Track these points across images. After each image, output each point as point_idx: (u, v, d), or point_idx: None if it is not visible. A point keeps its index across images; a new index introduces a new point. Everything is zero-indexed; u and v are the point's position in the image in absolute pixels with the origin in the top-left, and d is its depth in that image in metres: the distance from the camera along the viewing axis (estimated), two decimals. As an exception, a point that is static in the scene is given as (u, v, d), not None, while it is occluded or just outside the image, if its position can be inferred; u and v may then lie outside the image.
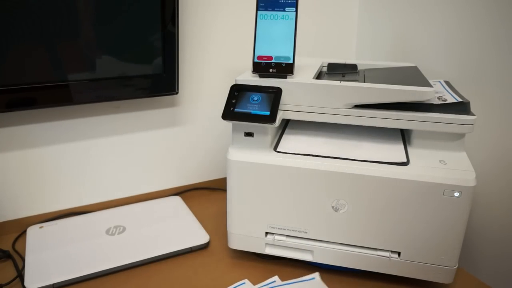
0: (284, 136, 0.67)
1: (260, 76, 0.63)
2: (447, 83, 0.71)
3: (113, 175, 0.85)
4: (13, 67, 0.65)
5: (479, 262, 0.79)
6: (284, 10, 0.61)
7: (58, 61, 0.68)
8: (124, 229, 0.75)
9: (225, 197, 0.92)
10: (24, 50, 0.64)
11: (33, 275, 0.63)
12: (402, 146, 0.64)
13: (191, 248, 0.72)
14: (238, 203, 0.64)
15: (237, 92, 0.62)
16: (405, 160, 0.59)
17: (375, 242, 0.61)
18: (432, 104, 0.60)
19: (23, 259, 0.68)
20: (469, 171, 0.57)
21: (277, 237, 0.65)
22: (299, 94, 0.62)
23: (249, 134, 0.63)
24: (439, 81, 0.72)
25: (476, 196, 0.79)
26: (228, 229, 0.67)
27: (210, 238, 0.75)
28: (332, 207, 0.61)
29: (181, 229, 0.76)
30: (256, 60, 0.63)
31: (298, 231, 0.64)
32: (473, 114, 0.59)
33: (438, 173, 0.56)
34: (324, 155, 0.61)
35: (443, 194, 0.56)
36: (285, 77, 0.62)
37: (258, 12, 0.62)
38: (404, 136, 0.67)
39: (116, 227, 0.76)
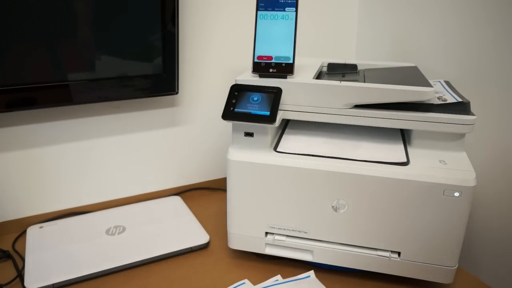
0: (284, 136, 0.67)
1: (260, 76, 0.63)
2: (447, 83, 0.71)
3: (113, 175, 0.85)
4: (13, 67, 0.65)
5: (479, 262, 0.79)
6: (284, 10, 0.61)
7: (58, 61, 0.68)
8: (124, 229, 0.75)
9: (225, 197, 0.92)
10: (24, 50, 0.64)
11: (33, 275, 0.63)
12: (402, 146, 0.64)
13: (191, 248, 0.72)
14: (238, 203, 0.64)
15: (237, 92, 0.62)
16: (405, 160, 0.59)
17: (375, 242, 0.61)
18: (432, 104, 0.60)
19: (23, 259, 0.68)
20: (469, 171, 0.57)
21: (277, 237, 0.65)
22: (299, 94, 0.62)
23: (249, 134, 0.63)
24: (439, 81, 0.72)
25: (476, 196, 0.79)
26: (228, 229, 0.67)
27: (210, 238, 0.75)
28: (332, 207, 0.61)
29: (181, 229, 0.76)
30: (256, 60, 0.63)
31: (298, 231, 0.64)
32: (473, 114, 0.59)
33: (438, 173, 0.56)
34: (324, 155, 0.61)
35: (443, 194, 0.56)
36: (285, 77, 0.62)
37: (258, 12, 0.62)
38: (404, 136, 0.67)
39: (116, 227, 0.76)
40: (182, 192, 0.93)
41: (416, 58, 0.89)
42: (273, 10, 0.62)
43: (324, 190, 0.60)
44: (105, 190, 0.85)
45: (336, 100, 0.61)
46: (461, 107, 0.59)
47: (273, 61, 0.62)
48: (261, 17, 0.62)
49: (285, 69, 0.62)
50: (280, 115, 0.62)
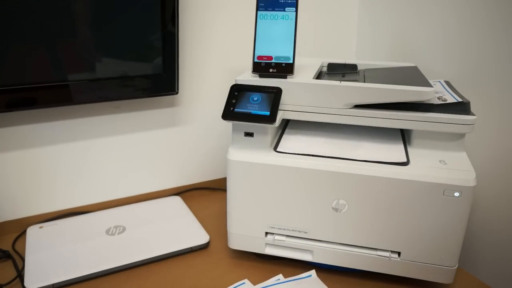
0: (284, 136, 0.67)
1: (260, 76, 0.63)
2: (447, 83, 0.71)
3: (113, 175, 0.85)
4: (13, 67, 0.65)
5: (479, 262, 0.79)
6: (284, 10, 0.61)
7: (58, 61, 0.68)
8: (124, 229, 0.75)
9: (225, 197, 0.92)
10: (24, 50, 0.64)
11: (33, 275, 0.63)
12: (402, 146, 0.64)
13: (191, 248, 0.72)
14: (238, 203, 0.64)
15: (237, 92, 0.62)
16: (405, 160, 0.59)
17: (375, 242, 0.61)
18: (432, 104, 0.60)
19: (23, 259, 0.68)
20: (469, 171, 0.57)
21: (277, 237, 0.65)
22: (299, 94, 0.62)
23: (249, 134, 0.63)
24: (439, 81, 0.72)
25: (476, 196, 0.79)
26: (228, 229, 0.67)
27: (210, 238, 0.75)
28: (332, 207, 0.61)
29: (181, 229, 0.76)
30: (256, 60, 0.63)
31: (298, 231, 0.64)
32: (473, 114, 0.59)
33: (438, 173, 0.56)
34: (324, 155, 0.61)
35: (443, 194, 0.56)
36: (285, 77, 0.62)
37: (258, 12, 0.62)
38: (404, 136, 0.67)
39: (116, 227, 0.76)
40: (182, 192, 0.93)
41: (416, 58, 0.89)
42: (273, 10, 0.62)
43: (324, 190, 0.60)
44: (105, 190, 0.85)
45: (336, 100, 0.61)
46: (461, 107, 0.59)
47: (273, 61, 0.62)
48: (261, 17, 0.62)
49: (285, 69, 0.62)
50: (280, 115, 0.62)
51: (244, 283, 0.64)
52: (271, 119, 0.58)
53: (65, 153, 0.79)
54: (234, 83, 0.63)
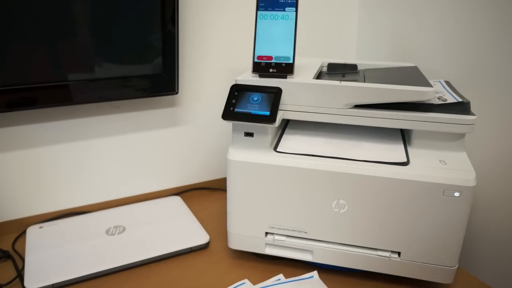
0: (284, 136, 0.67)
1: (260, 76, 0.63)
2: (447, 83, 0.71)
3: (113, 175, 0.85)
4: (13, 67, 0.65)
5: (479, 263, 0.79)
6: (284, 10, 0.61)
7: (58, 61, 0.68)
8: (124, 229, 0.75)
9: (225, 197, 0.92)
10: (24, 50, 0.64)
11: (33, 275, 0.63)
12: (402, 146, 0.64)
13: (191, 248, 0.72)
14: (238, 203, 0.64)
15: (237, 92, 0.62)
16: (405, 160, 0.59)
17: (375, 242, 0.61)
18: (432, 104, 0.60)
19: (23, 259, 0.68)
20: (469, 171, 0.57)
21: (277, 237, 0.65)
22: (299, 94, 0.62)
23: (249, 134, 0.63)
24: (439, 81, 0.72)
25: (476, 196, 0.79)
26: (228, 229, 0.67)
27: (210, 238, 0.75)
28: (332, 207, 0.61)
29: (181, 229, 0.76)
30: (256, 60, 0.63)
31: (298, 231, 0.64)
32: (473, 114, 0.59)
33: (438, 173, 0.56)
34: (324, 155, 0.61)
35: (443, 194, 0.56)
36: (285, 77, 0.62)
37: (258, 12, 0.62)
38: (404, 136, 0.67)
39: (116, 227, 0.76)
40: (182, 192, 0.93)
41: (416, 58, 0.89)
42: (273, 10, 0.62)
43: (324, 190, 0.60)
44: (105, 190, 0.85)
45: (336, 100, 0.61)
46: (461, 107, 0.59)
47: (273, 61, 0.62)
48: (261, 17, 0.62)
49: (285, 69, 0.62)
50: (280, 115, 0.62)
51: (244, 283, 0.64)
52: (271, 119, 0.58)
53: (65, 153, 0.79)
54: (234, 83, 0.63)
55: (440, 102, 0.60)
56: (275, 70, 0.62)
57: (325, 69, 0.79)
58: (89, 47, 0.69)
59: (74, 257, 0.67)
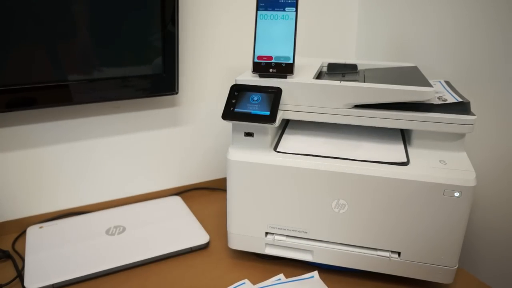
0: (284, 136, 0.67)
1: (260, 76, 0.63)
2: (447, 83, 0.71)
3: (113, 175, 0.85)
4: (13, 67, 0.65)
5: (479, 262, 0.79)
6: (284, 10, 0.61)
7: (58, 61, 0.68)
8: (124, 229, 0.75)
9: (225, 197, 0.92)
10: (24, 50, 0.64)
11: (33, 275, 0.63)
12: (402, 146, 0.64)
13: (191, 248, 0.72)
14: (238, 203, 0.64)
15: (237, 92, 0.62)
16: (405, 160, 0.59)
17: (375, 242, 0.61)
18: (432, 104, 0.60)
19: (23, 259, 0.68)
20: (469, 171, 0.57)
21: (277, 237, 0.65)
22: (299, 94, 0.62)
23: (249, 134, 0.63)
24: (439, 81, 0.72)
25: (476, 196, 0.79)
26: (228, 229, 0.67)
27: (210, 238, 0.75)
28: (332, 207, 0.61)
29: (181, 229, 0.76)
30: (256, 60, 0.63)
31: (298, 231, 0.64)
32: (473, 114, 0.59)
33: (438, 173, 0.56)
34: (324, 155, 0.61)
35: (443, 194, 0.56)
36: (285, 77, 0.62)
37: (258, 12, 0.62)
38: (404, 136, 0.67)
39: (116, 227, 0.76)
40: (182, 192, 0.93)
41: (416, 58, 0.89)
42: (273, 10, 0.62)
43: (324, 190, 0.60)
44: (105, 190, 0.85)
45: (336, 100, 0.61)
46: (461, 107, 0.59)
47: (273, 61, 0.62)
48: (261, 17, 0.62)
49: (285, 69, 0.62)
50: (280, 115, 0.62)
51: (244, 283, 0.64)
52: (271, 119, 0.58)
53: (65, 153, 0.79)
54: (234, 83, 0.63)
55: (440, 102, 0.60)
56: (275, 70, 0.62)
57: (325, 69, 0.79)
58: (89, 47, 0.69)
59: (74, 257, 0.67)
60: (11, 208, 0.77)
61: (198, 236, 0.74)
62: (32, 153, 0.76)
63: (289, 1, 0.61)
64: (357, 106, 0.61)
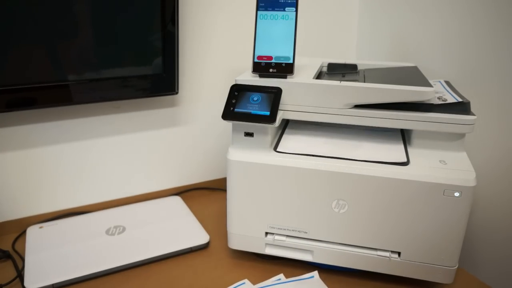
0: (284, 136, 0.67)
1: (260, 76, 0.63)
2: (447, 83, 0.71)
3: (113, 175, 0.85)
4: (13, 67, 0.65)
5: (479, 262, 0.79)
6: (284, 10, 0.61)
7: (58, 61, 0.68)
8: (124, 229, 0.75)
9: (225, 197, 0.92)
10: (24, 50, 0.64)
11: (33, 275, 0.63)
12: (402, 146, 0.64)
13: (191, 248, 0.72)
14: (238, 203, 0.64)
15: (237, 92, 0.62)
16: (405, 160, 0.59)
17: (375, 242, 0.61)
18: (432, 104, 0.60)
19: (23, 259, 0.68)
20: (469, 171, 0.57)
21: (277, 237, 0.65)
22: (299, 94, 0.62)
23: (249, 134, 0.63)
24: (439, 81, 0.72)
25: (476, 196, 0.79)
26: (228, 229, 0.67)
27: (210, 238, 0.75)
28: (332, 207, 0.61)
29: (181, 229, 0.76)
30: (256, 60, 0.63)
31: (298, 231, 0.64)
32: (473, 114, 0.59)
33: (438, 173, 0.56)
34: (324, 155, 0.61)
35: (443, 194, 0.56)
36: (285, 77, 0.62)
37: (258, 12, 0.62)
38: (404, 136, 0.67)
39: (116, 227, 0.76)
40: (182, 192, 0.93)
41: (416, 58, 0.89)
42: (273, 10, 0.62)
43: (324, 190, 0.60)
44: (105, 190, 0.85)
45: (336, 100, 0.61)
46: (461, 107, 0.59)
47: (273, 61, 0.62)
48: (261, 17, 0.62)
49: (285, 69, 0.62)
50: (280, 115, 0.62)
51: (244, 283, 0.64)
52: (271, 119, 0.58)
53: (65, 153, 0.79)
54: (234, 83, 0.63)
55: (440, 102, 0.60)
56: (275, 70, 0.62)
57: (325, 69, 0.79)
58: (89, 47, 0.69)
59: (74, 257, 0.67)
60: (11, 208, 0.77)
61: (198, 236, 0.74)
62: (32, 153, 0.76)
63: (289, 1, 0.61)
64: (357, 106, 0.61)
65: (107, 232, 0.74)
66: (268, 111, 0.59)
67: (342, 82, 0.61)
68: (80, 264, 0.65)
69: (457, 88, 0.80)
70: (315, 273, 0.65)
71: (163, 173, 0.91)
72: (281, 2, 0.61)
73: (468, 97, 0.78)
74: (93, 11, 0.68)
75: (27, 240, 0.71)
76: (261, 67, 0.62)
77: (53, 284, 0.62)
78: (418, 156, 0.61)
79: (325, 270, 0.67)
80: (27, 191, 0.78)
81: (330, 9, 1.00)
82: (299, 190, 0.61)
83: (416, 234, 0.59)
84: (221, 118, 0.58)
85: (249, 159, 0.61)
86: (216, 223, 0.81)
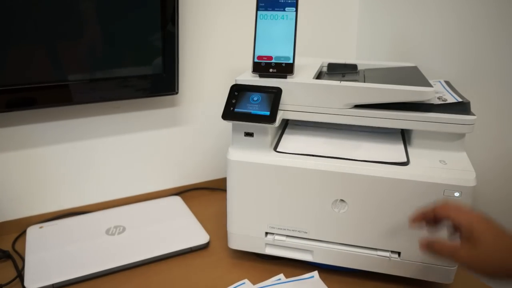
0: (284, 136, 0.67)
1: (260, 76, 0.63)
2: (447, 83, 0.71)
3: (113, 175, 0.85)
4: (13, 67, 0.65)
5: (479, 262, 0.79)
6: (284, 10, 0.61)
7: (58, 61, 0.68)
8: (124, 229, 0.75)
9: (225, 197, 0.91)
10: (25, 50, 0.64)
11: (33, 275, 0.63)
12: (402, 146, 0.64)
13: (191, 248, 0.72)
14: (238, 203, 0.64)
15: (237, 92, 0.62)
16: (405, 160, 0.59)
17: (375, 242, 0.61)
18: (432, 104, 0.60)
19: (23, 259, 0.68)
20: (469, 171, 0.57)
21: (277, 237, 0.65)
22: (299, 94, 0.62)
23: (249, 134, 0.63)
24: (439, 81, 0.72)
25: (476, 196, 0.78)
26: (228, 229, 0.67)
27: (210, 238, 0.75)
28: (332, 207, 0.61)
29: (181, 229, 0.76)
30: (256, 60, 0.63)
31: (298, 231, 0.64)
32: (473, 114, 0.59)
33: (438, 173, 0.56)
34: (324, 155, 0.61)
35: (443, 194, 0.56)
36: (285, 77, 0.62)
37: (258, 12, 0.62)
38: (404, 136, 0.67)
39: (116, 227, 0.76)
40: (182, 192, 0.93)
41: (416, 58, 0.89)
42: (273, 10, 0.62)
43: (324, 190, 0.60)
44: (105, 190, 0.85)
45: (336, 100, 0.61)
46: (461, 107, 0.59)
47: (273, 61, 0.62)
48: (261, 17, 0.62)
49: (285, 69, 0.62)
50: (280, 115, 0.62)
51: (244, 283, 0.64)
52: (271, 119, 0.58)
53: (65, 153, 0.79)
54: (234, 83, 0.63)
55: (440, 102, 0.60)
56: (275, 70, 0.62)
57: (325, 69, 0.79)
58: (89, 47, 0.69)
59: (74, 257, 0.67)
60: (11, 208, 0.77)
61: (198, 236, 0.74)
62: (33, 153, 0.76)
63: (289, 1, 0.61)
64: (357, 106, 0.61)
65: (107, 232, 0.74)
66: (268, 111, 0.59)
67: (342, 82, 0.61)
68: (80, 264, 0.65)
69: (457, 88, 0.80)
70: (315, 273, 0.65)
71: (163, 173, 0.91)
72: (281, 2, 0.61)
73: (468, 97, 0.78)
74: (93, 11, 0.68)
75: (27, 240, 0.71)
76: (261, 67, 0.62)
77: (53, 284, 0.62)
78: (418, 156, 0.61)
79: (325, 270, 0.67)
80: (27, 191, 0.78)
81: (330, 9, 1.00)
82: (299, 190, 0.61)
83: (416, 234, 0.59)
84: (221, 118, 0.58)
85: (249, 159, 0.61)
86: (216, 223, 0.81)
